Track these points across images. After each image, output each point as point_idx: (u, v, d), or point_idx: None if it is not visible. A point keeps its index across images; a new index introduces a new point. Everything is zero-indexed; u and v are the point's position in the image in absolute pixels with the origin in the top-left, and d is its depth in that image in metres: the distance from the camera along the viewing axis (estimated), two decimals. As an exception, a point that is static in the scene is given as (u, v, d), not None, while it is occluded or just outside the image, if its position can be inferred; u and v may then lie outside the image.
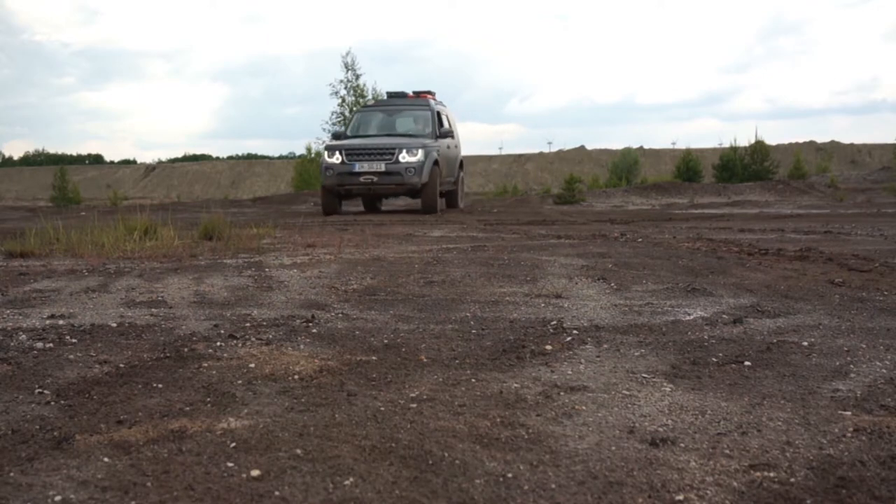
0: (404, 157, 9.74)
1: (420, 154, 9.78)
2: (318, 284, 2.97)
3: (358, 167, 9.73)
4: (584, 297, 2.67)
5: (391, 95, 12.42)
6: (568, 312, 2.37)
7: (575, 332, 2.07)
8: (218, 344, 1.91)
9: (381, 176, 9.73)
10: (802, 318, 2.26)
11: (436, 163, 10.10)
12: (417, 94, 12.11)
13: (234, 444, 1.18)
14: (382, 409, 1.38)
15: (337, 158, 9.86)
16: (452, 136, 11.72)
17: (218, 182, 47.23)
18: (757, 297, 2.65)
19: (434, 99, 12.03)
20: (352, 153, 9.87)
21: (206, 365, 1.69)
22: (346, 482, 1.04)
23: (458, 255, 4.19)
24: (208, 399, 1.43)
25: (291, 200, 14.97)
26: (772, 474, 1.07)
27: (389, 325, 2.17)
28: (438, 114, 11.41)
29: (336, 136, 11.26)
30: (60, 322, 2.21)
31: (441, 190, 10.63)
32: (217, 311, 2.41)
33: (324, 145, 11.16)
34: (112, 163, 59.96)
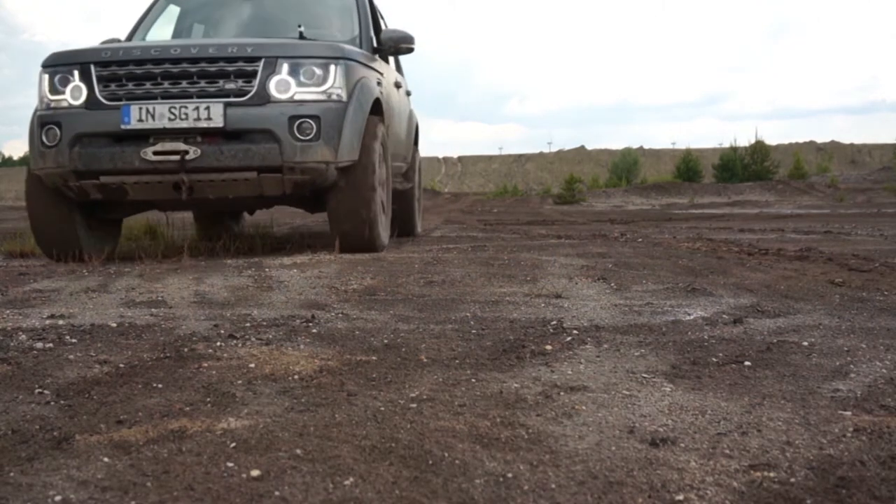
0: (284, 87, 3.71)
1: (334, 79, 3.79)
2: (318, 284, 2.97)
3: (135, 118, 3.60)
4: (584, 297, 2.67)
5: None
6: (568, 312, 2.37)
7: (575, 331, 2.07)
8: (218, 344, 1.91)
9: (211, 147, 3.62)
10: (802, 318, 2.26)
11: (377, 110, 4.21)
12: None
13: (234, 444, 1.18)
14: (382, 409, 1.38)
15: (78, 95, 3.71)
16: (401, 73, 5.74)
17: (218, 182, 47.04)
18: (757, 297, 2.65)
19: None
20: (121, 77, 3.70)
21: (206, 365, 1.69)
22: (346, 482, 1.04)
23: (458, 255, 4.19)
24: (208, 399, 1.43)
25: (291, 200, 14.97)
26: (772, 474, 1.07)
27: (389, 325, 2.17)
28: (371, 3, 5.00)
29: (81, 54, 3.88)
30: (60, 322, 2.21)
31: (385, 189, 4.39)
32: (217, 311, 2.41)
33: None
34: (112, 163, 59.80)
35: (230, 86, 3.69)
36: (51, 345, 1.90)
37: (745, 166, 21.85)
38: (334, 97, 3.81)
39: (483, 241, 5.42)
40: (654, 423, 1.30)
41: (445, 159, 52.55)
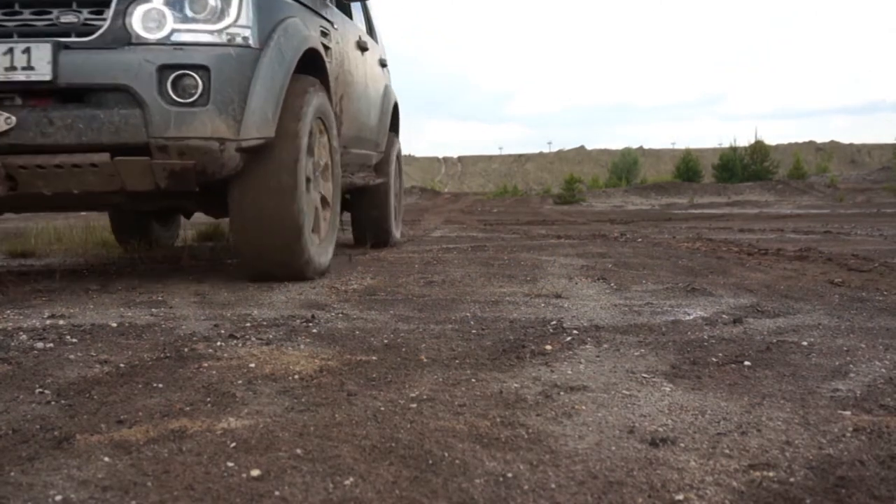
0: (156, 22, 2.45)
1: (239, 13, 2.52)
2: (318, 284, 2.97)
3: None
4: (584, 297, 2.67)
5: None
6: (568, 312, 2.37)
7: (575, 331, 2.07)
8: (218, 344, 1.91)
9: (34, 114, 2.38)
10: (802, 317, 2.26)
11: (315, 69, 3.06)
12: None
13: (234, 444, 1.18)
14: (382, 408, 1.38)
15: None
16: (374, 37, 4.75)
17: (218, 182, 47.00)
18: (757, 296, 2.65)
19: None
20: None
21: (206, 365, 1.69)
22: (346, 482, 1.04)
23: (458, 255, 4.19)
24: (208, 399, 1.43)
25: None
26: (771, 474, 1.07)
27: (389, 325, 2.17)
28: None
29: None
30: (60, 322, 2.21)
31: (344, 185, 3.61)
32: (217, 310, 2.41)
33: None
34: (112, 163, 59.69)
35: (69, 18, 2.42)
36: (51, 345, 1.90)
37: (745, 166, 21.90)
38: (238, 41, 2.52)
39: (483, 241, 5.43)
40: (654, 423, 1.30)
41: (445, 159, 52.64)
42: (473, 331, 2.10)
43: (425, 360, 1.77)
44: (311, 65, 3.03)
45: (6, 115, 2.37)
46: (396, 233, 5.01)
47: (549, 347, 1.89)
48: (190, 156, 2.47)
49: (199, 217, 4.49)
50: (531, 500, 1.00)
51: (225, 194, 2.81)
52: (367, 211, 4.60)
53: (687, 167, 22.23)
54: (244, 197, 2.74)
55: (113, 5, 2.45)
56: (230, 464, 1.10)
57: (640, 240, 5.32)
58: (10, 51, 2.36)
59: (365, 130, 4.18)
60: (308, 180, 2.92)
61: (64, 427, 1.27)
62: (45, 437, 1.22)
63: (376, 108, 4.50)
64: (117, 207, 3.61)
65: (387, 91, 4.83)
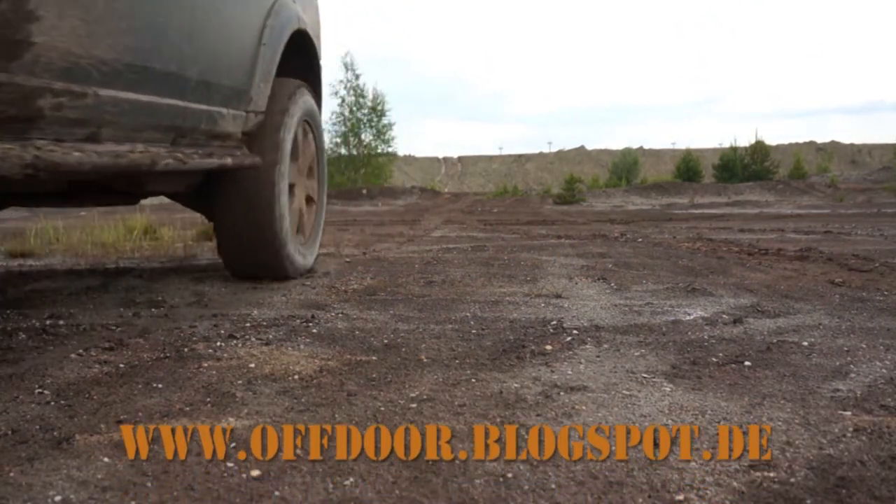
0: None
1: None
2: (318, 284, 2.97)
3: None
4: (584, 297, 2.67)
5: None
6: (568, 312, 2.37)
7: (575, 331, 2.07)
8: (218, 344, 1.91)
9: None
10: (802, 317, 2.26)
11: None
12: None
13: (233, 445, 1.18)
14: (382, 409, 1.38)
15: None
16: None
17: (218, 182, 46.94)
18: (757, 297, 2.65)
19: None
20: None
21: (206, 365, 1.69)
22: (346, 482, 1.04)
23: (458, 255, 4.19)
24: (208, 399, 1.43)
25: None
26: (772, 474, 1.07)
27: (389, 325, 2.17)
28: None
29: None
30: (60, 322, 2.21)
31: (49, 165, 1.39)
32: (217, 310, 2.41)
33: None
34: (112, 163, 59.61)
35: None
36: (51, 346, 1.90)
37: (745, 166, 21.94)
38: None
39: (483, 241, 5.43)
40: (655, 423, 1.30)
41: (445, 159, 52.71)
42: (473, 331, 2.10)
43: (425, 360, 1.77)
44: None
45: None
46: (305, 255, 3.14)
47: (549, 347, 1.89)
48: None
49: (199, 216, 4.47)
50: (531, 500, 1.00)
51: None
52: (232, 216, 2.81)
53: (687, 167, 22.26)
54: None
55: None
56: (230, 464, 1.10)
57: (640, 240, 5.32)
58: None
59: (172, 58, 2.06)
60: None
61: (63, 427, 1.27)
62: (44, 438, 1.22)
63: (235, 26, 2.52)
64: None
65: (278, 7, 2.83)
